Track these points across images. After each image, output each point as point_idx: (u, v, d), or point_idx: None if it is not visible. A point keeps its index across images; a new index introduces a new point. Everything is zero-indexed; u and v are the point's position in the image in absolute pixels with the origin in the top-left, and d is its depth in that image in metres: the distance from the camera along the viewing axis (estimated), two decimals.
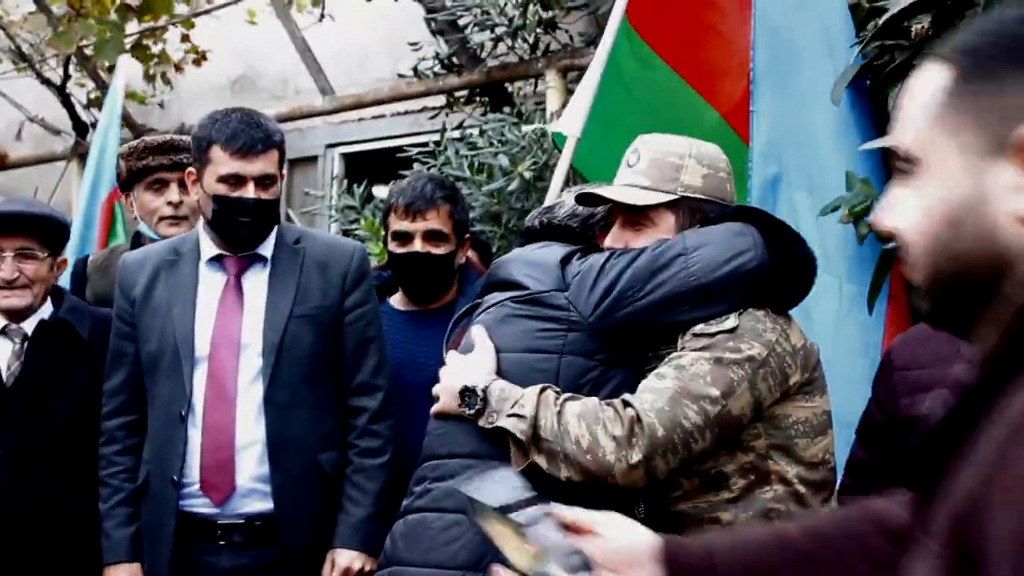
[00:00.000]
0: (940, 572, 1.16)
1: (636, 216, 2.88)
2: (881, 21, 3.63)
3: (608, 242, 2.92)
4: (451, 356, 2.84)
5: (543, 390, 2.63)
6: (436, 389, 2.80)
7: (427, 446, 2.85)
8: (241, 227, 3.43)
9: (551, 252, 2.88)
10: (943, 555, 1.16)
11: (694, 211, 2.86)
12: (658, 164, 2.88)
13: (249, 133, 3.40)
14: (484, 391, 2.65)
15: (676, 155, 2.89)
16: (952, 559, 1.14)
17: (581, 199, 2.98)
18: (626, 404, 2.59)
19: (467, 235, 3.98)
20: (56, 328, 3.68)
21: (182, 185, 4.05)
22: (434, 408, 2.79)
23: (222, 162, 3.40)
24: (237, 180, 3.40)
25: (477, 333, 2.81)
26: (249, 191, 3.40)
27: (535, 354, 2.76)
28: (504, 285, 2.91)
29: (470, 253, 4.07)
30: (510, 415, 2.61)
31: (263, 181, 3.42)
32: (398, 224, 3.85)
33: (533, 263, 2.87)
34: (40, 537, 3.57)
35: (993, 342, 1.21)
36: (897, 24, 3.67)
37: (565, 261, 2.83)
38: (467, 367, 2.74)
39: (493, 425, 2.63)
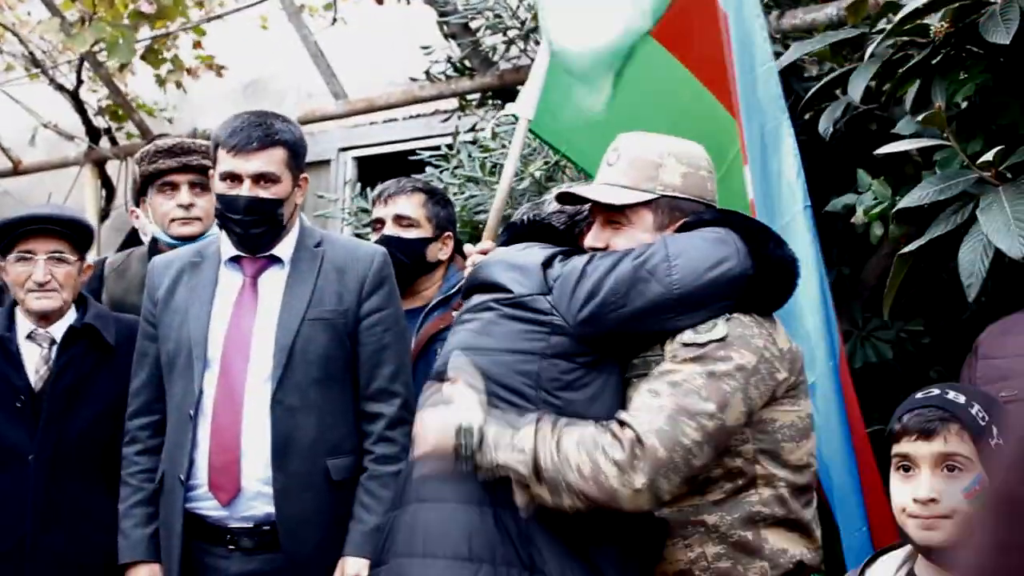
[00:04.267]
0: None
1: (615, 215, 2.90)
2: (897, 18, 3.60)
3: (588, 241, 2.94)
4: (434, 395, 2.79)
5: (539, 421, 2.61)
6: (421, 428, 2.76)
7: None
8: (236, 225, 3.44)
9: (533, 254, 2.90)
10: None
11: (673, 210, 2.89)
12: (637, 163, 2.91)
13: (248, 131, 3.40)
14: (480, 430, 2.62)
15: (655, 153, 2.92)
16: None
17: (561, 198, 3.01)
18: (622, 424, 2.58)
19: (448, 232, 4.18)
20: (83, 333, 3.69)
21: (192, 187, 4.10)
22: (424, 448, 2.73)
23: (222, 161, 3.43)
24: (234, 178, 3.42)
25: (460, 365, 2.77)
26: (244, 189, 3.40)
27: (518, 355, 2.77)
28: (487, 287, 2.92)
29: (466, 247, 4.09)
30: (509, 451, 2.59)
31: (260, 179, 3.41)
32: (375, 212, 4.19)
33: (515, 266, 2.88)
34: (70, 542, 3.58)
35: None
36: (913, 21, 3.64)
37: (547, 264, 2.84)
38: (458, 406, 2.69)
39: (493, 463, 2.60)
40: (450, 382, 2.75)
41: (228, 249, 3.52)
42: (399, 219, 4.11)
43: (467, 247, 3.70)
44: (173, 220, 4.13)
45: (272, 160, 3.41)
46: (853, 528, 3.45)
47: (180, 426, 3.41)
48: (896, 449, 2.56)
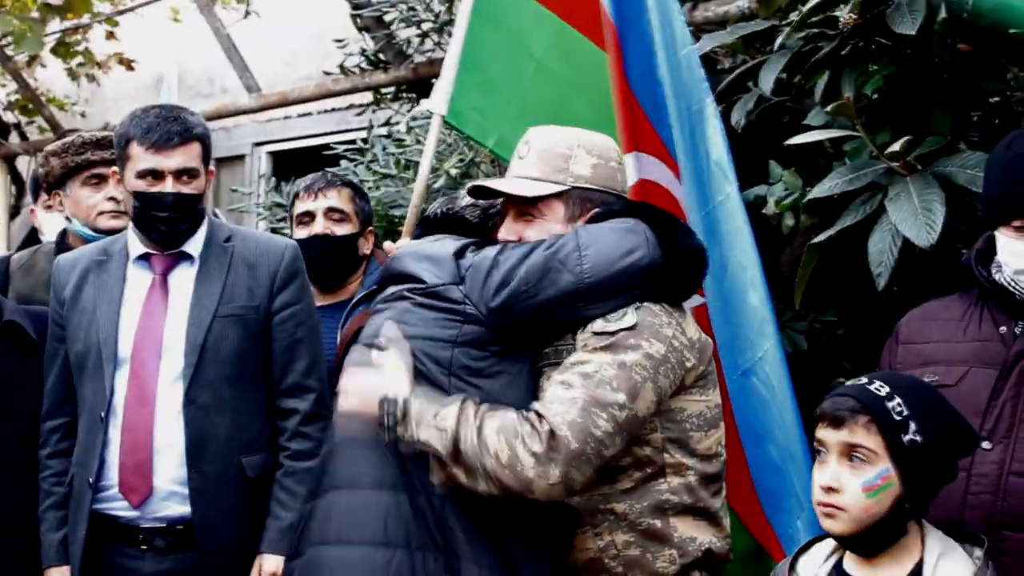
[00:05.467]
0: None
1: (526, 207, 2.93)
2: (806, 9, 3.63)
3: (501, 233, 2.97)
4: (363, 356, 2.80)
5: (463, 403, 2.63)
6: (348, 387, 2.78)
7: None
8: (161, 223, 3.39)
9: (445, 245, 2.92)
10: None
11: (584, 201, 2.92)
12: (547, 155, 2.94)
13: (166, 127, 3.35)
14: (405, 403, 2.64)
15: (565, 145, 2.95)
16: None
17: (474, 192, 3.02)
18: (539, 416, 2.60)
19: (370, 227, 4.21)
20: (5, 331, 3.59)
21: (119, 181, 4.01)
22: (347, 407, 2.76)
23: (140, 157, 3.36)
24: (155, 175, 3.36)
25: (391, 334, 2.78)
26: (168, 186, 3.36)
27: (431, 342, 2.78)
28: (401, 278, 2.93)
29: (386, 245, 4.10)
30: (431, 428, 2.61)
31: (182, 175, 3.37)
32: (302, 206, 4.13)
33: (428, 256, 2.90)
34: (19, 542, 3.48)
35: None
36: (821, 13, 3.67)
37: (459, 254, 2.86)
38: (386, 375, 2.71)
39: (413, 438, 2.62)
40: (381, 349, 2.76)
41: (136, 247, 3.47)
42: (332, 212, 4.09)
43: (387, 244, 3.70)
44: (102, 213, 4.05)
45: (191, 155, 3.38)
46: (808, 503, 3.47)
47: (91, 428, 3.36)
48: (815, 433, 2.60)
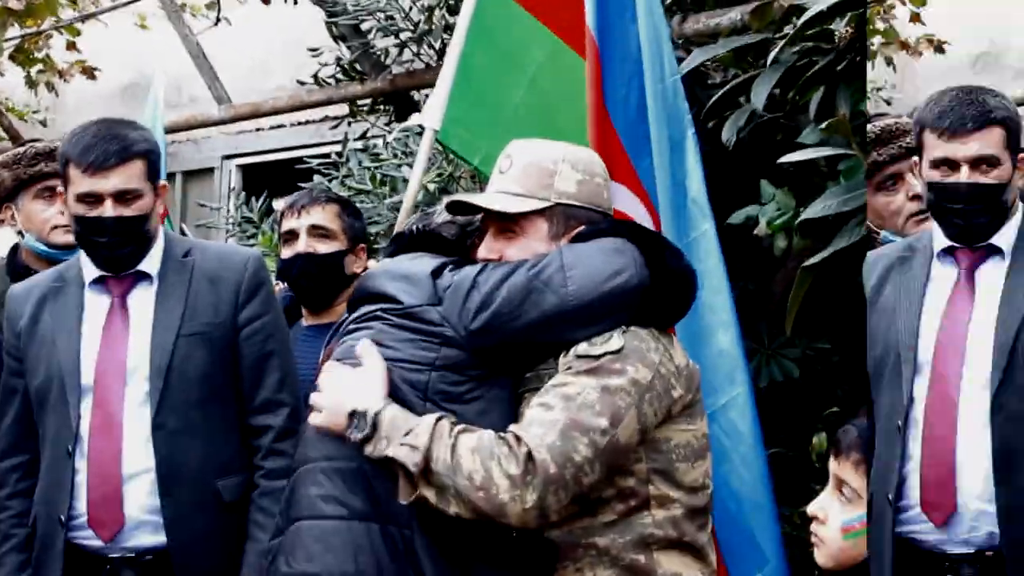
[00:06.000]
0: None
1: (508, 224, 2.85)
2: (800, 22, 3.55)
3: (481, 251, 2.89)
4: (336, 369, 2.73)
5: (438, 420, 2.55)
6: (317, 401, 2.70)
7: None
8: (102, 248, 3.28)
9: (422, 264, 2.83)
10: None
11: (568, 218, 2.84)
12: (531, 170, 2.86)
13: (103, 147, 3.22)
14: (375, 416, 2.55)
15: (550, 160, 2.87)
16: None
17: (452, 207, 2.94)
18: (517, 438, 2.52)
19: (362, 244, 4.09)
20: None
21: None
22: (315, 422, 2.69)
23: (77, 180, 3.24)
24: (93, 198, 3.23)
25: (366, 349, 2.69)
26: (107, 209, 3.23)
27: (407, 364, 2.69)
28: (374, 298, 2.84)
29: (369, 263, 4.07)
30: (402, 444, 2.52)
31: (122, 197, 3.24)
32: (286, 224, 4.06)
33: (404, 276, 2.82)
34: None
35: None
36: (817, 26, 3.58)
37: (436, 274, 2.78)
38: (357, 387, 2.63)
39: (382, 454, 2.53)
40: (356, 361, 2.69)
41: (91, 271, 3.36)
42: (314, 230, 3.99)
43: (371, 263, 3.59)
44: (56, 227, 3.96)
45: (132, 175, 3.25)
46: (772, 556, 3.40)
47: (56, 464, 3.24)
48: None
